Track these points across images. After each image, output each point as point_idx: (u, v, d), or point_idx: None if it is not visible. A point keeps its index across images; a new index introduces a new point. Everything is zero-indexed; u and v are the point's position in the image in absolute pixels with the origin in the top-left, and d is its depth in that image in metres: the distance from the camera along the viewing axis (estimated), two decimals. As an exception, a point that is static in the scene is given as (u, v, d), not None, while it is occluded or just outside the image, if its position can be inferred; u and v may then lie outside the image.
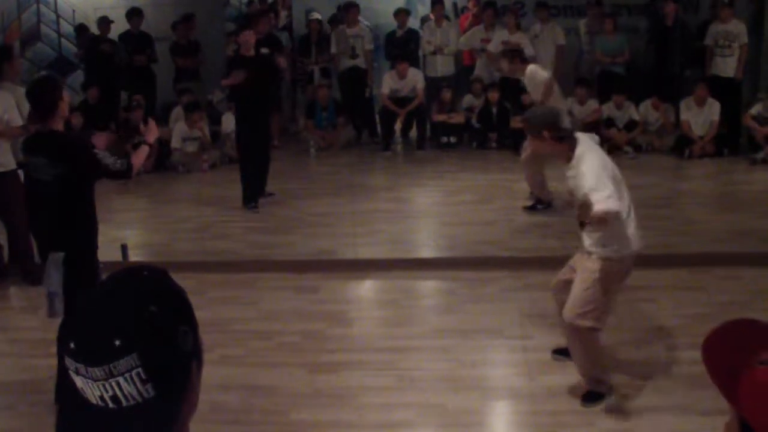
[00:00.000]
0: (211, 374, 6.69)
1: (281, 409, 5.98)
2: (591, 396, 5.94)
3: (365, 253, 9.15)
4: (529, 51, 13.19)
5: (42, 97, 5.88)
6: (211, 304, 7.92)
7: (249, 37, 10.60)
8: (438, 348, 6.86)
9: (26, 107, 8.50)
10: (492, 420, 6.09)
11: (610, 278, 5.78)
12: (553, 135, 5.67)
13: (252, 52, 10.58)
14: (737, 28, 13.31)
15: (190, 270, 8.65)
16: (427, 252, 9.38)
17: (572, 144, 5.67)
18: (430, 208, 11.21)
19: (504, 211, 10.26)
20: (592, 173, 5.46)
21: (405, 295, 8.24)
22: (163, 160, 13.37)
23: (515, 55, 10.78)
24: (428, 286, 8.57)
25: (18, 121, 8.35)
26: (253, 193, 10.91)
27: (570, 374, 6.21)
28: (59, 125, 5.92)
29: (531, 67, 10.51)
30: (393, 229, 9.86)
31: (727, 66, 13.33)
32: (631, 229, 5.82)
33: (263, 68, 10.71)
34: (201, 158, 13.50)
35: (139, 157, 6.16)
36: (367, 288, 8.69)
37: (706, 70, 13.54)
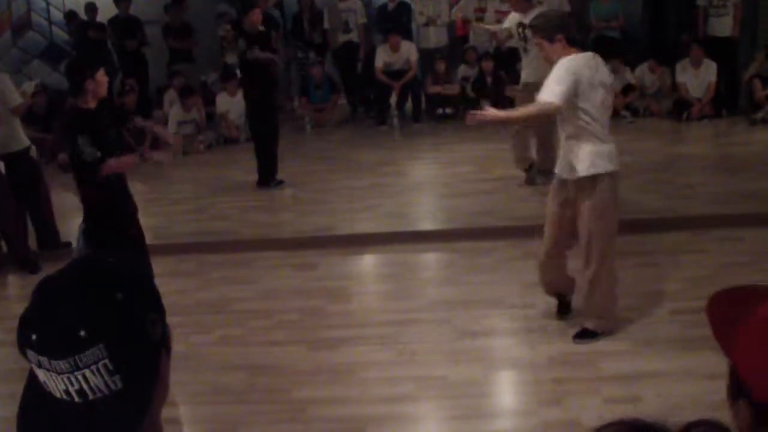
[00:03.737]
0: (211, 355, 6.71)
1: (283, 387, 5.96)
2: (586, 333, 6.17)
3: (363, 228, 9.12)
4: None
5: (70, 76, 6.36)
6: (210, 285, 7.90)
7: (257, 16, 10.58)
8: (438, 320, 6.83)
9: (11, 93, 8.61)
10: (495, 390, 6.05)
11: None
12: (567, 39, 5.83)
13: (258, 30, 10.59)
14: None
15: (189, 251, 8.67)
16: (425, 224, 9.34)
17: (579, 52, 5.88)
18: (428, 180, 11.16)
19: (502, 181, 10.19)
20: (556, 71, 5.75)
21: (404, 268, 8.20)
22: (158, 143, 13.31)
23: None
24: (427, 259, 8.53)
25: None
26: (273, 170, 10.87)
27: (571, 342, 6.18)
28: (88, 103, 6.17)
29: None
30: (391, 203, 9.82)
31: (722, 25, 13.19)
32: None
33: (268, 45, 10.71)
34: (197, 140, 13.46)
35: (120, 163, 6.27)
36: (365, 263, 8.65)
37: (699, 31, 13.43)
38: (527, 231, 8.31)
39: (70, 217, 8.92)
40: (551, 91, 5.68)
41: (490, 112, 6.12)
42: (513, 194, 9.72)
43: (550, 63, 5.97)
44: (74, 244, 7.03)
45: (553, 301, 6.68)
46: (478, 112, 6.09)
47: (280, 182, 10.81)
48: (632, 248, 7.76)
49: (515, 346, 6.36)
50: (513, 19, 10.10)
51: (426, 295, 7.51)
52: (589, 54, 5.93)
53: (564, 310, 6.57)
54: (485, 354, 6.29)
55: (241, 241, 8.98)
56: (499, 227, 8.70)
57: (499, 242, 8.35)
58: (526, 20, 9.75)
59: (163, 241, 8.66)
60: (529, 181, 9.99)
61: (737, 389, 1.64)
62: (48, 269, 7.54)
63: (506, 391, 6.09)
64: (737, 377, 1.63)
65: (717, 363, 5.48)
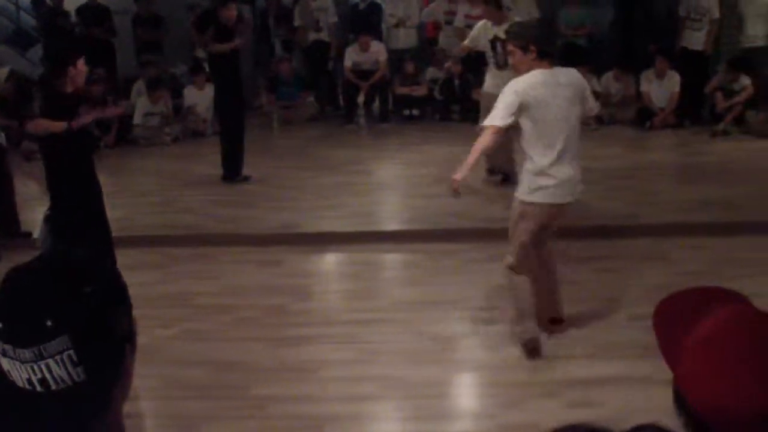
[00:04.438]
0: (173, 349, 6.70)
1: (244, 383, 5.96)
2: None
3: (328, 226, 9.14)
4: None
5: (53, 61, 6.72)
6: (174, 278, 7.89)
7: (233, 11, 10.61)
8: (401, 321, 6.86)
9: None
10: (455, 392, 6.10)
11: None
12: (539, 52, 5.82)
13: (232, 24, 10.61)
14: (709, 2, 13.33)
15: (154, 244, 8.65)
16: (390, 225, 9.38)
17: (551, 65, 5.88)
18: (394, 180, 11.20)
19: (467, 183, 10.21)
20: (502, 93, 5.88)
21: (368, 268, 8.24)
22: (124, 134, 13.29)
23: (491, 1, 10.51)
24: (392, 259, 8.57)
25: None
26: (239, 165, 10.87)
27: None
28: (65, 88, 6.42)
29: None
30: (356, 202, 9.85)
31: (696, 39, 13.37)
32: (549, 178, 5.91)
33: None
34: (163, 132, 13.43)
35: (46, 123, 6.39)
36: (330, 261, 8.68)
37: (677, 41, 13.57)
38: (492, 234, 8.35)
39: (32, 207, 8.90)
40: (491, 116, 5.89)
41: (459, 175, 6.18)
42: (478, 197, 9.75)
43: (519, 72, 6.01)
44: (36, 234, 7.06)
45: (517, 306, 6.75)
46: (455, 185, 6.31)
47: (246, 178, 10.80)
48: (593, 253, 7.85)
49: (477, 349, 6.41)
50: (482, 27, 10.16)
51: (389, 295, 7.54)
52: (557, 70, 5.94)
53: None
54: (446, 355, 6.33)
55: (205, 236, 8.97)
56: (464, 229, 8.74)
57: (463, 244, 8.40)
58: (500, 32, 9.85)
59: (127, 233, 8.63)
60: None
61: (680, 403, 1.66)
62: (7, 258, 7.58)
63: (466, 393, 6.13)
64: (679, 392, 1.66)
65: (675, 370, 5.51)
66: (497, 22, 10.03)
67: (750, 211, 9.03)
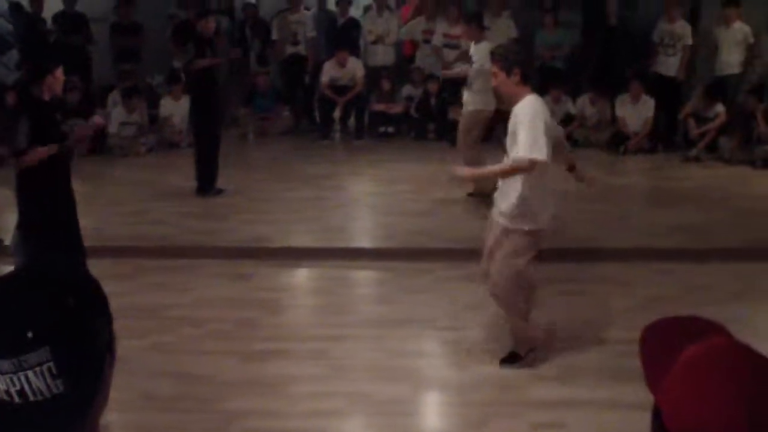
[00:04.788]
0: (143, 361, 6.68)
1: (212, 397, 5.96)
2: (509, 358, 6.33)
3: (300, 240, 9.16)
4: (466, 45, 13.26)
5: (32, 67, 6.76)
6: (144, 290, 7.87)
7: (212, 23, 10.68)
8: (370, 337, 6.88)
9: None
10: (421, 410, 6.12)
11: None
12: (522, 75, 5.89)
13: (210, 37, 10.65)
14: (683, 29, 13.53)
15: (124, 255, 8.62)
16: (362, 241, 9.40)
17: (530, 90, 5.96)
18: (367, 197, 11.22)
19: (440, 202, 10.29)
20: (529, 122, 5.73)
21: (339, 284, 8.25)
22: (99, 143, 13.25)
23: (473, 20, 10.65)
24: (363, 276, 8.59)
25: None
26: (213, 178, 10.87)
27: (499, 366, 6.28)
28: (42, 95, 6.44)
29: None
30: (329, 218, 9.87)
31: (669, 65, 13.57)
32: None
33: (215, 52, 10.84)
34: (138, 142, 13.41)
35: (34, 154, 6.39)
36: (301, 276, 8.69)
37: (650, 66, 13.72)
38: (464, 254, 8.41)
39: (3, 214, 8.89)
40: (539, 148, 5.68)
41: (468, 170, 6.18)
42: (451, 216, 9.81)
43: (501, 94, 6.08)
44: (7, 240, 7.05)
45: (485, 326, 6.81)
46: (457, 170, 6.13)
47: (220, 191, 10.80)
48: (561, 276, 7.90)
49: (445, 367, 6.44)
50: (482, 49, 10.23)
51: (359, 311, 7.57)
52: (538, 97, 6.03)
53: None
54: (415, 373, 6.35)
55: (177, 248, 8.96)
56: (436, 248, 8.78)
57: (434, 263, 8.43)
58: (476, 53, 9.98)
59: (98, 243, 8.60)
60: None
61: (659, 427, 1.69)
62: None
63: (433, 411, 6.15)
64: (660, 419, 1.69)
65: (642, 394, 5.61)
66: (477, 41, 10.17)
67: (719, 238, 9.12)
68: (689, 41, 13.52)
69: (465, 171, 6.42)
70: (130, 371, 6.13)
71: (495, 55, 6.13)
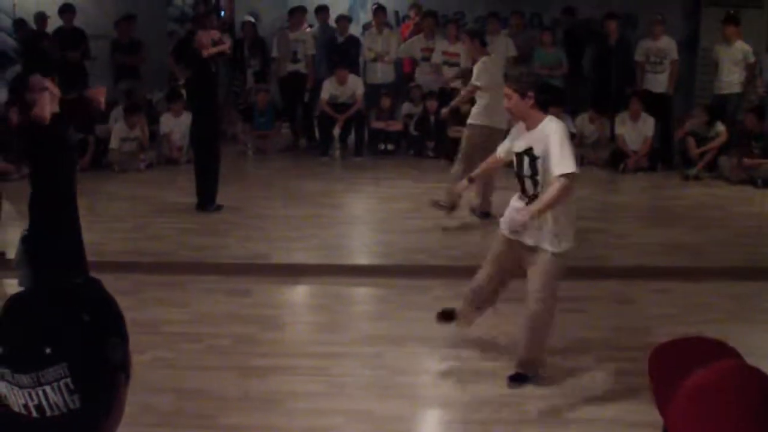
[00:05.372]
0: (141, 376, 6.62)
1: (211, 413, 5.94)
2: (519, 377, 6.27)
3: (299, 257, 9.17)
4: (465, 63, 13.33)
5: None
6: (143, 305, 7.85)
7: (207, 37, 10.65)
8: (369, 355, 6.87)
9: None
10: (420, 428, 6.11)
11: None
12: (537, 99, 5.95)
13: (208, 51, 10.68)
14: (668, 44, 13.71)
15: (123, 270, 8.59)
16: (360, 258, 9.41)
17: (545, 114, 6.02)
18: (366, 214, 11.24)
19: (439, 220, 10.28)
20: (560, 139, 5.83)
21: (337, 301, 8.25)
22: (99, 158, 13.29)
23: (476, 37, 10.71)
24: (361, 293, 8.58)
25: None
26: (213, 194, 10.89)
27: (501, 385, 6.27)
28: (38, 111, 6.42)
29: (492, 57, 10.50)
30: (327, 235, 9.88)
31: (658, 82, 13.69)
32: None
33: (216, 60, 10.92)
34: (138, 158, 13.43)
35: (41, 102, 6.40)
36: (299, 293, 8.69)
37: (637, 85, 13.79)
38: (463, 271, 8.40)
39: (7, 227, 8.92)
40: (570, 162, 5.82)
41: (527, 211, 5.99)
42: (449, 233, 9.82)
43: (512, 114, 6.13)
44: (11, 254, 7.06)
45: (484, 344, 6.81)
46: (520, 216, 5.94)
47: (219, 207, 10.81)
48: (561, 294, 7.87)
49: (443, 385, 6.42)
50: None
51: (358, 328, 7.56)
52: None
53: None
54: (413, 391, 6.34)
55: (176, 263, 8.96)
56: (434, 266, 8.79)
57: (432, 281, 8.43)
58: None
59: (97, 258, 8.60)
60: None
61: None
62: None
63: (432, 429, 6.15)
64: None
65: (641, 412, 5.64)
66: (479, 58, 10.24)
67: (718, 257, 9.14)
68: (675, 56, 13.71)
69: (525, 215, 6.15)
70: (130, 386, 6.13)
71: (510, 77, 6.20)
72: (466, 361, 6.72)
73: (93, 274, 7.00)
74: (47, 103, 6.32)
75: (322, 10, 15.80)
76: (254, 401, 6.11)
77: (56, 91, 6.58)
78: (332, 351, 6.94)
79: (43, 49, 14.46)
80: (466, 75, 11.03)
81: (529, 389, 6.24)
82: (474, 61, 10.41)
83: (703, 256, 9.18)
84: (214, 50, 10.58)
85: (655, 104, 13.54)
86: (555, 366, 6.58)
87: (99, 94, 7.11)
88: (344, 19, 15.39)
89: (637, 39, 14.55)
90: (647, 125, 13.28)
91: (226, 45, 10.87)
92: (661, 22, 13.74)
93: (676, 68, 13.70)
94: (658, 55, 13.61)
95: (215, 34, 10.88)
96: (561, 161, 5.76)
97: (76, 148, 7.33)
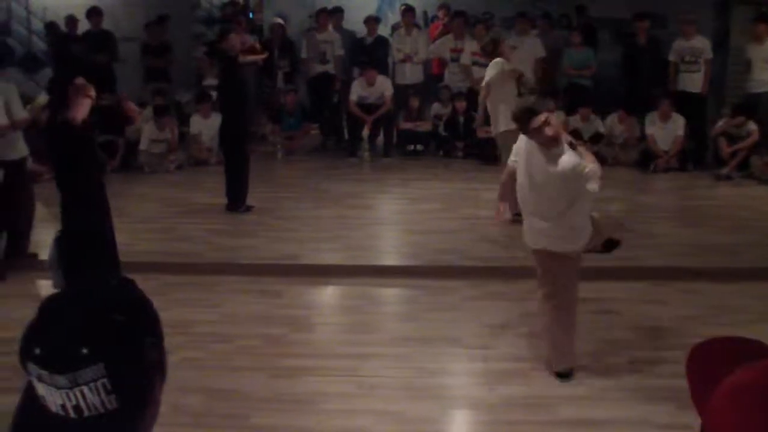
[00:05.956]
0: (171, 377, 6.65)
1: (241, 413, 5.97)
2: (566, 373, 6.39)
3: (328, 258, 9.17)
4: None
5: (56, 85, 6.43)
6: (172, 306, 7.88)
7: (236, 40, 10.70)
8: (398, 356, 6.88)
9: (17, 104, 8.72)
10: (450, 429, 6.10)
11: None
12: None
13: (243, 59, 10.79)
14: (702, 43, 13.54)
15: (153, 271, 8.61)
16: (389, 259, 9.40)
17: None
18: (395, 215, 11.22)
19: (468, 220, 10.28)
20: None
21: (367, 301, 8.25)
22: (129, 160, 13.37)
23: (488, 46, 10.66)
24: (390, 294, 8.58)
25: (2, 119, 8.48)
26: (243, 195, 10.93)
27: (529, 385, 6.27)
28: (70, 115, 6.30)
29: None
30: (357, 236, 9.88)
31: (692, 81, 13.52)
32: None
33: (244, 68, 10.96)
34: (167, 159, 13.49)
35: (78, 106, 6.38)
36: (329, 294, 8.69)
37: (670, 86, 13.69)
38: (491, 272, 8.43)
39: (41, 229, 8.99)
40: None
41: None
42: (478, 234, 9.80)
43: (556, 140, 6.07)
44: (45, 255, 7.09)
45: (513, 345, 6.79)
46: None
47: (249, 208, 10.84)
48: (590, 295, 7.86)
49: (473, 386, 6.41)
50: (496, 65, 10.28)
51: (387, 329, 7.56)
52: None
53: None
54: (443, 392, 6.34)
55: (206, 264, 9.00)
56: (463, 267, 8.77)
57: (462, 282, 8.43)
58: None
59: (126, 259, 8.58)
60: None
61: None
62: (13, 278, 7.64)
63: (461, 430, 6.13)
64: None
65: (671, 414, 5.61)
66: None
67: (749, 257, 9.06)
68: (710, 55, 13.54)
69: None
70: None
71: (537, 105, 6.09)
72: (495, 361, 6.71)
73: (123, 274, 7.05)
74: (85, 109, 6.35)
75: (337, 12, 15.83)
76: (284, 402, 6.13)
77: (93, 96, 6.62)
78: (362, 352, 6.95)
79: (72, 51, 14.56)
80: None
81: (558, 389, 6.23)
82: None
83: (735, 256, 9.11)
84: (250, 59, 10.64)
85: (690, 104, 13.43)
86: (585, 367, 6.56)
87: (132, 111, 7.23)
88: (372, 20, 15.36)
89: (667, 39, 14.46)
90: (678, 125, 13.17)
91: (261, 57, 10.90)
92: (692, 21, 13.61)
93: (709, 67, 13.57)
94: (693, 55, 13.46)
95: (250, 43, 10.96)
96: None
97: (102, 150, 7.36)
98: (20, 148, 8.92)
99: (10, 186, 8.78)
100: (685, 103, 13.36)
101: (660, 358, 6.59)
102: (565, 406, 6.02)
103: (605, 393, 6.20)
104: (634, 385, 6.30)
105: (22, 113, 8.82)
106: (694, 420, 1.80)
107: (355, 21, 16.12)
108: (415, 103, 14.54)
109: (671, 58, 13.66)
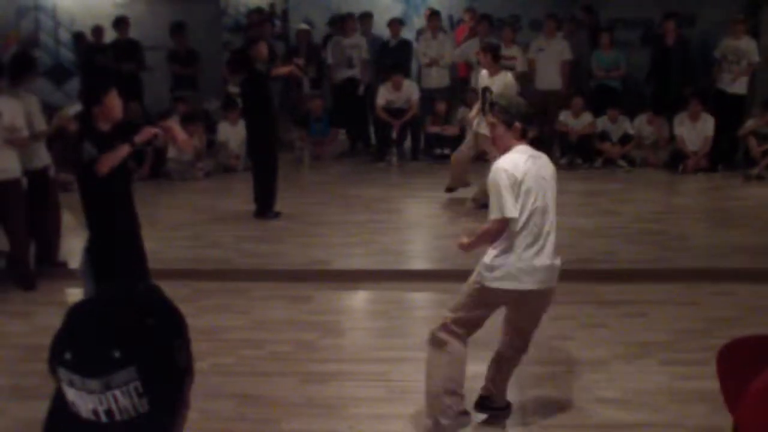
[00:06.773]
0: (202, 383, 6.66)
1: (272, 418, 5.98)
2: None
3: (358, 263, 9.17)
4: (521, 66, 13.31)
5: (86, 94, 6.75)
6: (203, 313, 7.90)
7: (264, 47, 10.76)
8: (429, 359, 6.85)
9: (38, 115, 8.75)
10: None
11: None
12: (522, 129, 5.55)
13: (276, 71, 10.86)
14: (748, 45, 13.34)
15: (183, 278, 8.64)
16: (419, 264, 9.39)
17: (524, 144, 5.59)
18: (423, 219, 11.21)
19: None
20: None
21: (397, 306, 8.25)
22: (158, 167, 13.42)
23: (488, 50, 10.70)
24: (420, 298, 8.57)
25: (23, 131, 8.49)
26: (272, 201, 10.96)
27: (561, 388, 6.23)
28: (101, 126, 6.47)
29: (509, 76, 10.50)
30: (386, 240, 9.87)
31: (732, 81, 13.33)
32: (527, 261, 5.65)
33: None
34: (196, 166, 13.53)
35: (112, 156, 6.35)
36: (359, 299, 8.69)
37: (712, 83, 13.56)
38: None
39: (71, 237, 9.03)
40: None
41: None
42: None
43: (496, 146, 5.79)
44: (76, 264, 7.15)
45: (543, 348, 6.74)
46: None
47: (278, 214, 10.86)
48: (622, 297, 7.84)
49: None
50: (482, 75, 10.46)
51: (418, 333, 7.49)
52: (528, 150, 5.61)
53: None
54: (473, 395, 6.30)
55: (235, 270, 9.02)
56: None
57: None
58: (493, 84, 10.01)
59: (157, 266, 8.65)
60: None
61: None
62: (43, 287, 7.67)
63: (494, 433, 6.11)
64: None
65: (705, 416, 5.55)
66: (491, 74, 10.29)
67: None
68: (756, 58, 13.30)
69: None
70: (192, 393, 6.16)
71: (496, 106, 5.82)
72: (525, 364, 6.64)
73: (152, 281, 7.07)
74: (118, 161, 6.40)
75: (366, 17, 15.86)
76: (315, 407, 6.13)
77: (114, 102, 6.64)
78: (392, 356, 6.93)
79: (99, 61, 14.65)
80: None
81: (590, 394, 6.19)
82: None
83: (767, 257, 9.03)
84: (283, 71, 10.68)
85: (728, 104, 13.31)
86: (616, 369, 6.53)
87: (181, 139, 7.33)
88: (396, 22, 15.36)
89: (696, 38, 14.36)
90: (707, 125, 13.08)
91: (297, 71, 10.97)
92: (741, 21, 13.42)
93: (752, 69, 13.39)
94: (736, 54, 13.28)
95: (294, 62, 11.11)
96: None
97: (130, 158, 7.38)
98: (42, 157, 8.96)
99: (35, 194, 8.83)
100: (723, 103, 13.24)
101: (693, 360, 6.54)
102: (597, 409, 5.99)
103: (637, 396, 6.16)
104: (665, 387, 6.25)
105: (42, 125, 8.85)
106: (727, 422, 1.78)
107: (380, 25, 16.11)
108: (441, 106, 14.53)
109: (716, 54, 13.52)
